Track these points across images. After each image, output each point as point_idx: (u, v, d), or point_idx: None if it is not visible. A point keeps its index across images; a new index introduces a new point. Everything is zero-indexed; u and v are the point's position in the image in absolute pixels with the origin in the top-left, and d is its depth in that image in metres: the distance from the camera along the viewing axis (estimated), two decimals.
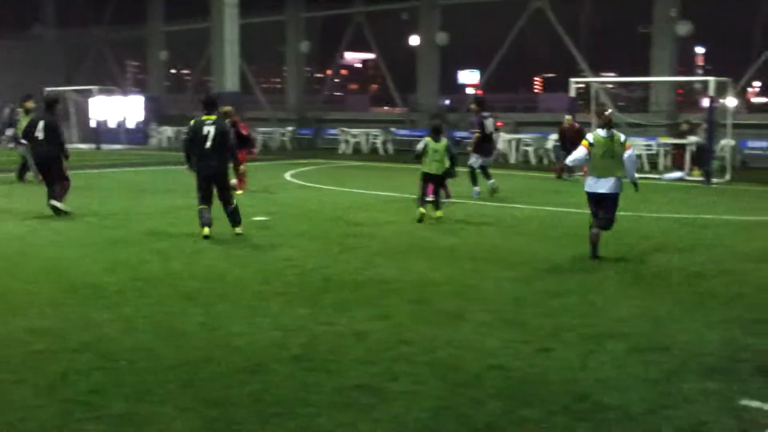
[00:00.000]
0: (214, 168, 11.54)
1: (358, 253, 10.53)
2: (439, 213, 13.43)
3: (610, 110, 11.14)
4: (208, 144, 11.40)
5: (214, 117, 11.57)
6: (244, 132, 17.39)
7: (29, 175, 17.98)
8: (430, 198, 13.67)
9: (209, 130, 11.43)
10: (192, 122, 11.71)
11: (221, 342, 6.62)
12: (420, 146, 13.64)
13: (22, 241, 11.28)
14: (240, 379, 5.74)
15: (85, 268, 9.48)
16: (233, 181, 16.51)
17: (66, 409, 5.18)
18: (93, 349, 6.37)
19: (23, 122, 18.88)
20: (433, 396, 5.45)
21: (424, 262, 9.87)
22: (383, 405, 5.29)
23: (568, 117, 21.60)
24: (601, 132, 10.16)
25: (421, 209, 13.30)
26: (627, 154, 10.05)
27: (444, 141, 13.62)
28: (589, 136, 10.26)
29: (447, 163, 13.60)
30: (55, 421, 5.00)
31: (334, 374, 5.84)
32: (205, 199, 11.60)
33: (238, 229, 11.83)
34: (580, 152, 10.24)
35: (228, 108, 17.61)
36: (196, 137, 11.46)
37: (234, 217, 11.84)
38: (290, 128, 35.12)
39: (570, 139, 19.87)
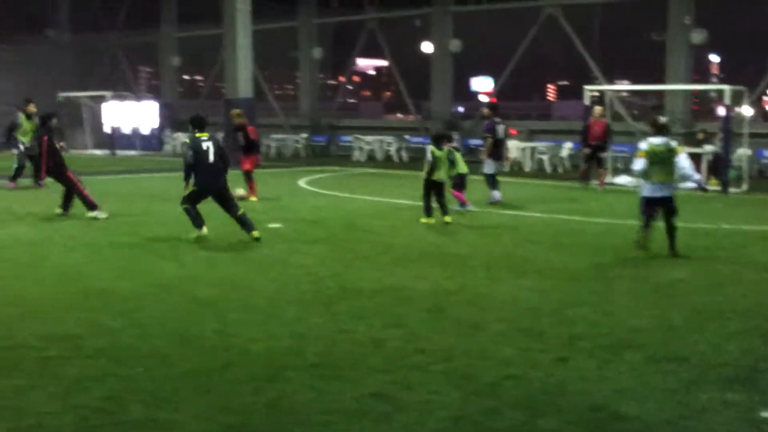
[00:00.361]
0: (221, 181, 11.95)
1: (372, 260, 10.50)
2: (448, 218, 13.58)
3: (663, 118, 11.50)
4: (211, 159, 11.78)
5: (207, 134, 11.97)
6: (252, 137, 17.35)
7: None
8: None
9: (208, 145, 11.82)
10: (189, 141, 11.94)
11: (237, 349, 6.60)
12: (430, 157, 13.74)
13: (35, 246, 11.31)
14: (256, 387, 5.72)
15: (99, 274, 9.49)
16: (239, 191, 16.51)
17: (81, 415, 5.17)
18: (107, 355, 6.37)
19: (25, 126, 18.89)
20: (449, 405, 5.42)
21: (439, 270, 9.84)
22: (399, 414, 5.26)
23: (598, 108, 20.94)
24: (656, 140, 10.67)
25: (429, 219, 13.59)
26: (680, 158, 10.59)
27: (445, 148, 13.96)
28: (643, 145, 10.73)
29: (453, 170, 13.97)
30: (69, 428, 4.99)
31: (351, 382, 5.81)
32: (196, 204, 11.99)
33: (255, 233, 11.88)
34: (640, 163, 10.70)
35: (237, 111, 17.69)
36: (198, 154, 11.72)
37: (245, 222, 11.95)
38: (304, 135, 35.15)
39: (595, 136, 19.68)
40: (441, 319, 7.62)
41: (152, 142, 37.83)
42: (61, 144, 15.78)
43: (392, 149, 31.59)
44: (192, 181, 11.83)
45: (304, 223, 14.03)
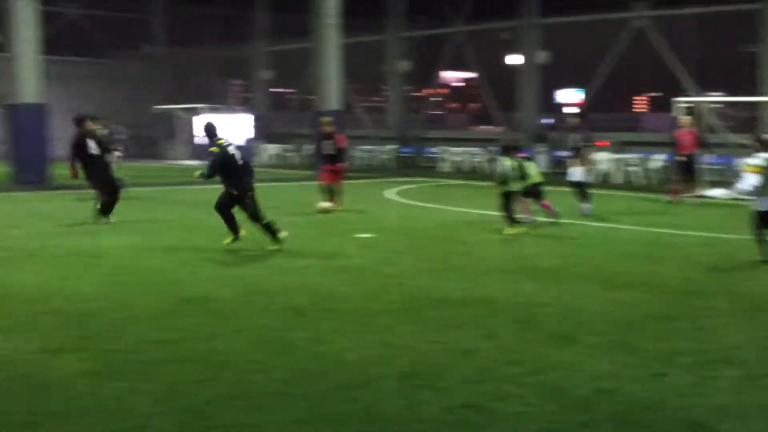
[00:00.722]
0: (250, 183, 12.16)
1: (462, 271, 10.52)
2: (513, 230, 13.66)
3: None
4: (240, 162, 12.07)
5: (223, 141, 12.12)
6: (341, 144, 17.38)
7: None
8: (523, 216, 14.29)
9: (233, 151, 12.07)
10: (216, 149, 12.00)
11: (330, 357, 6.71)
12: (504, 168, 13.74)
13: (136, 255, 11.67)
14: (350, 395, 5.80)
15: (198, 282, 9.75)
16: (323, 204, 16.59)
17: (182, 418, 5.33)
18: (207, 360, 6.55)
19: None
20: (542, 418, 5.40)
21: (529, 282, 9.80)
22: (492, 425, 5.27)
23: (686, 119, 20.19)
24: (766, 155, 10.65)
25: (513, 229, 13.64)
26: None
27: (517, 159, 14.01)
28: (756, 161, 10.67)
29: (527, 181, 13.98)
30: (172, 430, 5.15)
31: (443, 392, 5.85)
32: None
33: (282, 234, 12.10)
34: (752, 179, 10.66)
35: (328, 119, 17.82)
36: (227, 160, 11.94)
37: (270, 230, 12.12)
38: (391, 147, 35.37)
39: (685, 146, 19.18)
40: (532, 331, 7.60)
41: (245, 154, 38.55)
42: (116, 150, 16.47)
43: (479, 161, 31.55)
44: (230, 187, 12.01)
45: (393, 233, 14.12)
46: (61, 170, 27.07)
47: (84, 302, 8.60)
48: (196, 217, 15.76)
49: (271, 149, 37.95)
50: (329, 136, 17.35)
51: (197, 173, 12.27)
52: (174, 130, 41.23)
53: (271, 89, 45.79)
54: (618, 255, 12.00)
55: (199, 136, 40.06)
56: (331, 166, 17.20)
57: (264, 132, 39.79)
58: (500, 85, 36.69)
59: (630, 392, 5.88)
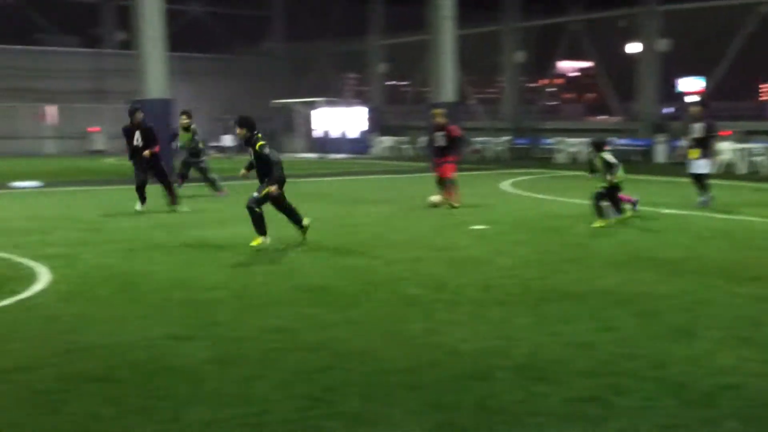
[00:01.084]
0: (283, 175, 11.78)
1: (578, 263, 10.38)
2: (600, 223, 13.40)
3: None
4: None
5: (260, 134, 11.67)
6: (455, 134, 17.04)
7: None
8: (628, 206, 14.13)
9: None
10: (263, 142, 11.54)
11: (445, 348, 6.73)
12: (605, 162, 13.46)
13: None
14: (465, 386, 5.82)
15: (316, 272, 9.94)
16: (435, 197, 16.48)
17: (303, 405, 5.45)
18: (325, 349, 6.67)
19: (182, 136, 19.60)
20: (664, 413, 5.29)
21: (649, 274, 9.59)
22: (612, 419, 5.20)
23: None
24: None
25: (606, 221, 13.49)
26: None
27: (608, 154, 13.76)
28: None
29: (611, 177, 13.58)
30: (293, 416, 5.27)
31: (560, 385, 5.80)
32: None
33: (305, 222, 12.06)
34: None
35: (439, 110, 17.60)
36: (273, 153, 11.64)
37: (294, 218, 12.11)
38: (506, 138, 35.12)
39: None
40: (653, 324, 7.44)
41: (359, 146, 39.02)
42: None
43: None
44: (270, 183, 11.58)
45: (507, 224, 14.05)
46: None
47: (207, 291, 8.89)
48: (312, 208, 16.03)
49: (386, 141, 38.25)
50: (442, 128, 17.12)
51: (273, 188, 11.59)
52: (292, 123, 42.02)
53: (386, 82, 46.11)
54: (743, 247, 11.61)
55: (317, 130, 40.81)
56: (444, 158, 16.90)
57: (379, 124, 40.13)
58: (618, 75, 35.95)
59: (756, 388, 5.70)
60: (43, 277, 9.64)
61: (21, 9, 43.66)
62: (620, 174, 13.55)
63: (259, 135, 11.56)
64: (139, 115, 16.32)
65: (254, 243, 11.50)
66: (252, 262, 10.60)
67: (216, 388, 5.76)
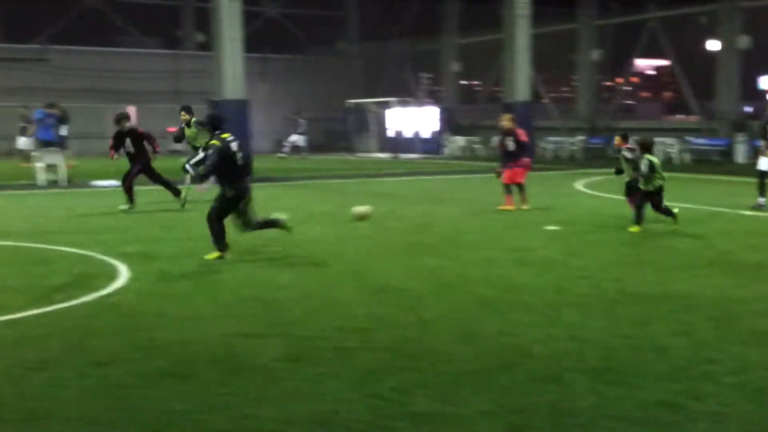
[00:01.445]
0: (248, 185, 11.02)
1: (655, 265, 10.21)
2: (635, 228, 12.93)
3: None
4: (240, 161, 10.85)
5: (228, 135, 10.88)
6: (522, 139, 16.75)
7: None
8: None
9: (235, 146, 10.78)
10: (217, 142, 10.70)
11: (518, 349, 6.69)
12: (648, 166, 12.89)
13: (331, 244, 12.05)
14: (538, 388, 5.77)
15: (388, 272, 9.96)
16: (505, 205, 16.11)
17: (374, 404, 5.47)
18: (396, 349, 6.69)
19: (187, 133, 19.59)
20: (742, 419, 5.18)
21: (727, 278, 9.38)
22: (688, 424, 5.10)
23: None
24: None
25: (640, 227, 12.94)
26: None
27: (655, 156, 13.25)
28: None
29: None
30: (364, 415, 5.30)
31: (635, 389, 5.71)
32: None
33: (282, 216, 11.30)
34: None
35: (508, 116, 17.21)
36: (228, 156, 10.65)
37: (270, 226, 11.27)
38: (580, 138, 34.69)
39: None
40: (731, 328, 7.27)
41: (432, 146, 39.00)
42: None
43: (673, 151, 30.41)
44: (227, 189, 10.74)
45: (581, 225, 13.88)
46: (263, 163, 28.40)
47: (279, 290, 8.99)
48: (384, 208, 16.08)
49: (458, 141, 38.14)
50: (510, 133, 16.81)
51: (190, 171, 11.20)
52: (366, 123, 42.20)
53: (459, 81, 45.97)
54: None
55: (390, 129, 40.90)
56: (514, 162, 16.46)
57: (451, 124, 40.05)
58: (697, 73, 35.19)
59: None
60: (122, 273, 9.88)
61: (103, 12, 44.77)
62: (658, 180, 13.01)
63: (224, 135, 10.78)
64: (126, 123, 16.75)
65: (210, 256, 10.81)
66: (325, 261, 10.68)
67: (289, 386, 5.83)
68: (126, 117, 16.96)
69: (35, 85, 40.13)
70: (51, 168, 23.21)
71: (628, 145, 14.02)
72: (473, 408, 5.40)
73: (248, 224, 11.02)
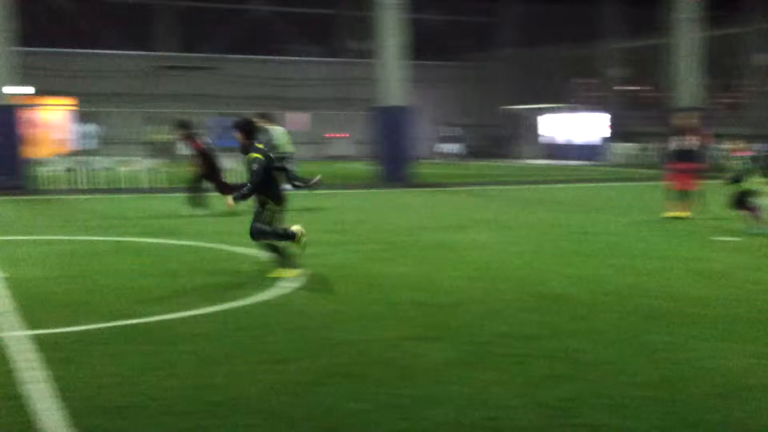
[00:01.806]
0: (284, 193, 10.23)
1: None
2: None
3: None
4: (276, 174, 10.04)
5: (262, 145, 10.14)
6: (701, 141, 15.95)
7: None
8: None
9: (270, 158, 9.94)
10: (259, 155, 9.69)
11: (690, 363, 6.51)
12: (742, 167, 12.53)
13: (493, 251, 12.10)
14: (712, 404, 5.60)
15: (552, 279, 9.91)
16: (671, 212, 15.51)
17: (543, 413, 5.45)
18: (565, 358, 6.65)
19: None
20: None
21: None
22: None
23: None
24: None
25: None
26: None
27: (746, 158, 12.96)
28: None
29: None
30: (532, 424, 5.26)
31: None
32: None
33: (296, 229, 10.02)
34: None
35: (688, 114, 16.61)
36: (271, 169, 9.84)
37: (281, 237, 10.06)
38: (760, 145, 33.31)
39: None
40: None
41: (590, 152, 38.30)
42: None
43: None
44: (269, 204, 9.84)
45: (755, 236, 13.30)
46: (423, 168, 28.70)
47: (448, 294, 9.10)
48: (542, 215, 15.96)
49: (624, 148, 37.27)
50: (688, 132, 15.97)
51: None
52: (521, 129, 41.95)
53: (618, 87, 44.99)
54: None
55: (547, 135, 40.45)
56: (685, 165, 15.79)
57: (615, 130, 39.24)
58: None
59: None
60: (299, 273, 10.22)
61: (268, 21, 46.39)
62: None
63: (259, 145, 10.00)
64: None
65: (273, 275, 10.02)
66: (489, 268, 10.71)
67: (458, 391, 5.89)
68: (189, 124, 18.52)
69: (206, 92, 42.11)
70: None
71: None
72: (646, 421, 5.30)
73: (259, 234, 9.91)
